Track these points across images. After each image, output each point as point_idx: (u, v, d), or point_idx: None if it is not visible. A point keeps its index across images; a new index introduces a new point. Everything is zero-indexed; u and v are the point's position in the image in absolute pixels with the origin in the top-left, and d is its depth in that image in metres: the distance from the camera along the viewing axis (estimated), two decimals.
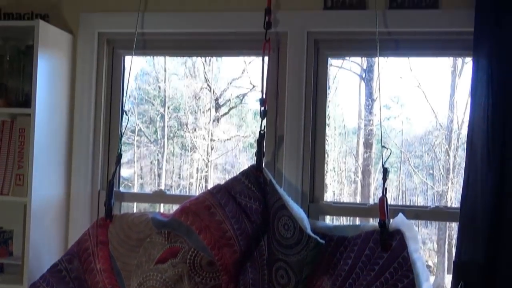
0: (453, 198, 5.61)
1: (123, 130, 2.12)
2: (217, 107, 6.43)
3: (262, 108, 1.99)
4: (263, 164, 1.97)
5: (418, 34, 2.04)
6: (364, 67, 6.32)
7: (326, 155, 2.17)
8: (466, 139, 1.85)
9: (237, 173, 1.95)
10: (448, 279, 6.30)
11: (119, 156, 2.09)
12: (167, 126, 6.39)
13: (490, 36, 1.84)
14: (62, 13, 2.24)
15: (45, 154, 2.05)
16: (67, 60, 2.19)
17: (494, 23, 1.84)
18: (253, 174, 1.93)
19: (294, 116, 2.07)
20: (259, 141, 1.97)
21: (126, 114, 2.11)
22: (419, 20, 2.00)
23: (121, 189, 2.33)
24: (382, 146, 1.92)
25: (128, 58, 2.30)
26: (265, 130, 1.99)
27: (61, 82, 2.16)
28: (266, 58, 2.03)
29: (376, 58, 1.99)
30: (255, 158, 1.96)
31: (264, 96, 2.01)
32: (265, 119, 2.00)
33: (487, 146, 1.79)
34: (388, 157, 1.92)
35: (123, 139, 2.12)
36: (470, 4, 1.89)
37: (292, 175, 2.07)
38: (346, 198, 5.71)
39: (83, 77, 2.22)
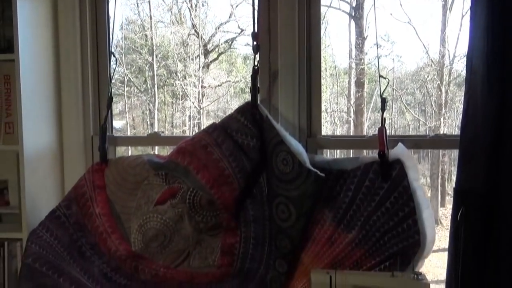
0: (447, 132, 5.68)
1: (112, 72, 2.05)
2: (206, 53, 6.34)
3: (255, 43, 1.92)
4: (258, 101, 1.92)
5: None
6: (354, 4, 6.22)
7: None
8: (466, 60, 1.77)
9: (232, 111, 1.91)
10: (441, 212, 6.43)
11: (110, 99, 2.03)
12: (157, 75, 6.32)
13: None
14: None
15: (33, 101, 1.99)
16: (49, 3, 2.09)
17: None
18: (248, 111, 1.88)
19: (288, 50, 2.00)
20: (253, 77, 1.90)
21: (114, 56, 2.04)
22: None
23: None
24: (380, 76, 1.88)
25: (112, 1, 2.20)
26: (258, 65, 1.93)
27: (43, 26, 2.07)
28: None
29: None
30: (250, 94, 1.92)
31: (256, 30, 1.93)
32: (258, 54, 1.94)
33: (487, 65, 1.69)
34: (386, 86, 1.89)
35: (113, 89, 2.05)
36: None
37: (288, 110, 2.02)
38: None
39: (66, 21, 2.13)
